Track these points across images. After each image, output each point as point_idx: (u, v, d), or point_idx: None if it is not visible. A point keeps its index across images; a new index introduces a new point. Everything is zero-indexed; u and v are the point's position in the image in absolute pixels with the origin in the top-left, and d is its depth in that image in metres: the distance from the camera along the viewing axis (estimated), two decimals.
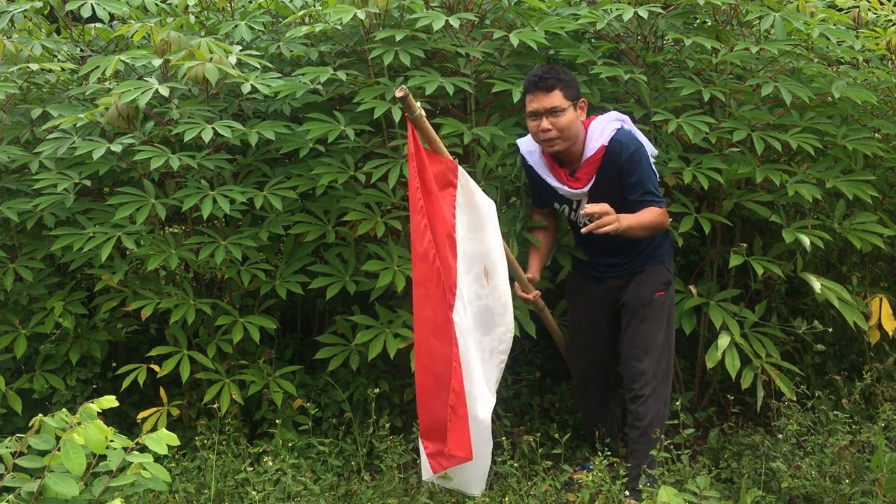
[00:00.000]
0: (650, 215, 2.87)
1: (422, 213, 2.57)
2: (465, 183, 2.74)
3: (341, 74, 3.19)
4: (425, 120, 2.64)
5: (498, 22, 3.43)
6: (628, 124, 2.95)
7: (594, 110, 3.37)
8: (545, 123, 2.84)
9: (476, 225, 2.74)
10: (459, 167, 2.74)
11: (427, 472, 2.63)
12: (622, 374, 3.07)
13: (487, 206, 2.77)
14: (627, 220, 2.79)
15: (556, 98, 2.83)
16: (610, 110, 3.37)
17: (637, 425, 2.92)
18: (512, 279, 3.01)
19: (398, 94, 2.53)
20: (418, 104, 2.60)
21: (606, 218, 2.73)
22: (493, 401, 2.69)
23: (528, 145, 3.04)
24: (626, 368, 3.01)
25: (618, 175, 2.89)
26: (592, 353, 3.18)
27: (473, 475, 2.67)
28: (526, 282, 3.03)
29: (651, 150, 2.99)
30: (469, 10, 3.34)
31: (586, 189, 2.94)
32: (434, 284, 2.57)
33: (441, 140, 3.21)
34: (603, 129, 2.90)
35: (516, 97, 3.13)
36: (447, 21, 3.11)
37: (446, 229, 2.63)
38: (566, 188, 2.97)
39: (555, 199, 3.07)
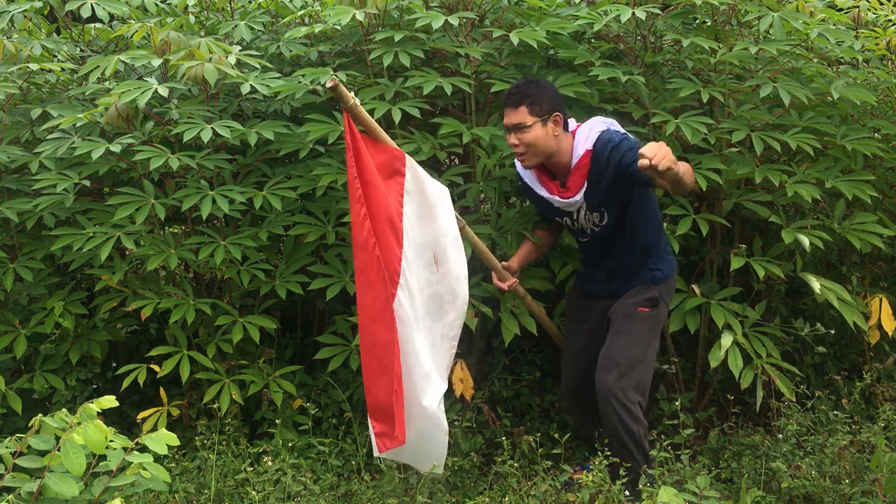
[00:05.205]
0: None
1: (360, 203, 2.58)
2: (414, 171, 2.73)
3: (341, 75, 3.19)
4: (361, 109, 2.62)
5: (498, 22, 3.43)
6: (614, 126, 2.91)
7: (593, 111, 3.38)
8: (513, 139, 2.84)
9: (426, 213, 2.74)
10: (407, 156, 2.72)
11: (375, 450, 2.69)
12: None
13: (439, 194, 2.76)
14: (678, 166, 2.59)
15: (521, 114, 2.81)
16: (609, 111, 3.37)
17: (615, 446, 2.83)
18: (485, 270, 3.01)
19: (328, 84, 2.51)
20: (352, 94, 2.58)
21: (659, 147, 2.52)
22: (444, 386, 2.74)
23: None
24: (596, 378, 2.87)
25: (611, 174, 2.83)
26: (585, 366, 3.08)
27: (420, 456, 2.75)
28: (501, 271, 3.03)
29: None
30: (468, 10, 3.34)
31: (579, 197, 2.90)
32: (374, 273, 2.58)
33: (441, 140, 3.22)
34: (588, 134, 2.87)
35: None
36: (447, 20, 3.11)
37: (388, 216, 2.63)
38: (559, 199, 2.94)
39: (554, 213, 3.04)
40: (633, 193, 2.91)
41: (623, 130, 2.93)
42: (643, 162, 2.48)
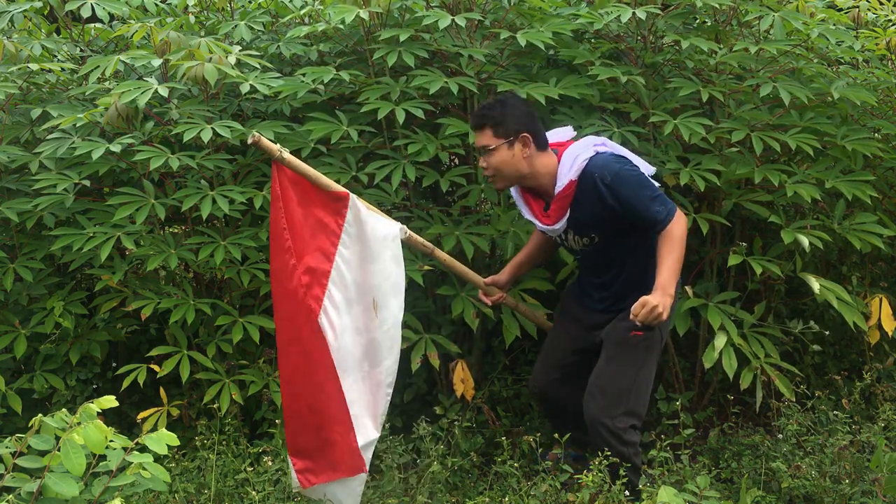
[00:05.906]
0: (669, 246, 2.60)
1: (290, 253, 2.56)
2: (357, 213, 2.64)
3: (344, 75, 3.19)
4: (292, 157, 2.57)
5: (499, 22, 3.43)
6: (606, 146, 2.71)
7: (594, 110, 3.38)
8: (482, 162, 2.74)
9: (367, 256, 2.66)
10: (353, 196, 2.63)
11: (296, 485, 2.69)
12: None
13: (383, 238, 2.66)
14: (667, 289, 2.56)
15: (486, 137, 2.69)
16: (609, 110, 3.37)
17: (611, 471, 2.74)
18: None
19: (250, 141, 2.49)
20: (277, 146, 2.53)
21: (649, 312, 2.53)
22: (376, 435, 2.69)
23: None
24: (584, 404, 2.78)
25: (600, 206, 2.66)
26: (556, 372, 3.00)
27: (340, 495, 2.71)
28: (485, 287, 2.99)
29: (647, 169, 2.74)
30: (471, 10, 3.34)
31: (560, 226, 2.75)
32: (304, 321, 2.58)
33: (442, 141, 3.22)
34: (574, 160, 2.67)
35: None
36: (454, 21, 3.11)
37: (315, 261, 2.60)
38: (540, 224, 2.80)
39: (542, 230, 2.87)
40: (629, 222, 2.72)
41: (618, 149, 2.74)
42: (632, 317, 2.57)
